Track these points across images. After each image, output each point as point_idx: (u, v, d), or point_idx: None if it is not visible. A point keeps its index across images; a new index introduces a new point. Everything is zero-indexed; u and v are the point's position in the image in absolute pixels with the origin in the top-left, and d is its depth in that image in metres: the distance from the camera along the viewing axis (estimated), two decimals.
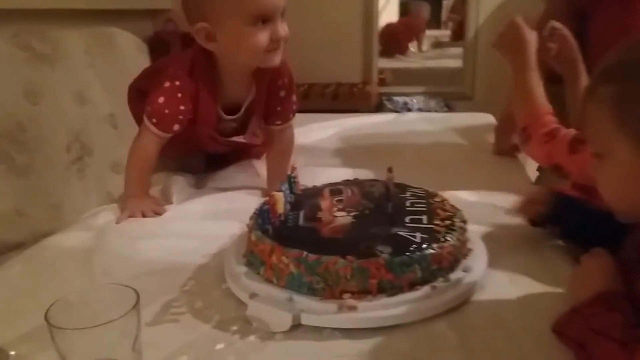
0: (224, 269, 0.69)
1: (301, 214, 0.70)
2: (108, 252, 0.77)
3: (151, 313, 0.61)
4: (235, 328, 0.59)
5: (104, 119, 1.80)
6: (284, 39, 0.88)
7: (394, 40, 3.23)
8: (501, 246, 0.73)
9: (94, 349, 0.43)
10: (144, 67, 2.08)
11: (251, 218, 0.71)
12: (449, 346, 0.55)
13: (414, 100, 2.37)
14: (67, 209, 1.51)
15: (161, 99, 0.92)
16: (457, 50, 3.23)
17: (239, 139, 1.01)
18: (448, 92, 2.52)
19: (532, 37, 0.95)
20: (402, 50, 3.31)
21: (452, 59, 3.11)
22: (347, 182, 0.81)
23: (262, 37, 0.85)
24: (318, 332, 0.57)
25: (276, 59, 0.90)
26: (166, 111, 0.93)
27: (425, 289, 0.60)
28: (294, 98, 1.02)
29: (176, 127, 0.94)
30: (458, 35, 3.51)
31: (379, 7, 2.67)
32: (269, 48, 0.87)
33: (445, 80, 2.75)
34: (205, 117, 0.96)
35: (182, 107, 0.93)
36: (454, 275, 0.62)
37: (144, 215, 0.91)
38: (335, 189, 0.78)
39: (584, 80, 0.99)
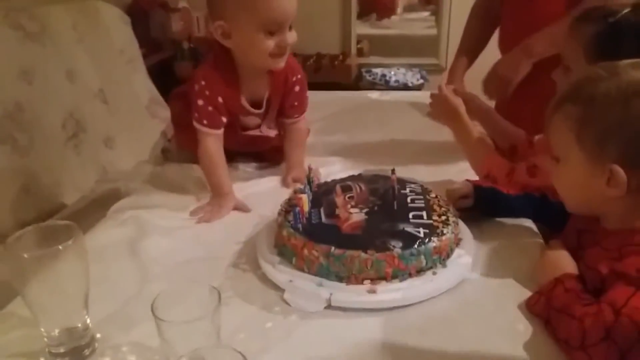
0: (256, 257, 0.82)
1: (322, 211, 0.83)
2: (150, 242, 0.88)
3: None
4: (277, 309, 0.72)
5: (95, 94, 1.85)
6: (291, 45, 0.98)
7: (379, 3, 3.23)
8: (483, 233, 0.88)
9: (192, 336, 0.56)
10: (130, 40, 2.12)
11: (279, 214, 0.84)
12: (449, 318, 0.70)
13: (392, 72, 2.49)
14: (68, 185, 1.59)
15: (200, 102, 1.01)
16: (429, 16, 3.27)
17: (255, 132, 1.11)
18: (424, 64, 2.62)
19: (459, 101, 1.09)
20: (390, 12, 3.30)
21: (426, 25, 3.16)
22: (353, 178, 0.94)
23: (269, 43, 0.95)
24: (345, 311, 0.71)
25: (280, 63, 1.00)
26: (210, 108, 1.01)
27: (428, 274, 0.75)
28: (307, 93, 1.12)
29: (224, 119, 1.03)
30: None
31: None
32: (274, 52, 0.97)
33: (421, 50, 2.83)
34: (229, 108, 1.04)
35: (220, 100, 1.02)
36: (450, 261, 0.78)
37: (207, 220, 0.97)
38: (345, 185, 0.91)
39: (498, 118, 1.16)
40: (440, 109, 1.12)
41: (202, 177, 1.08)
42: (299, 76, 1.10)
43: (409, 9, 3.67)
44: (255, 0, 0.92)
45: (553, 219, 0.86)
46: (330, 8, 2.64)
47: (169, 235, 0.91)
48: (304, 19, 2.44)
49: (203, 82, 1.01)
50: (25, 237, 0.61)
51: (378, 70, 2.53)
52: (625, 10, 0.85)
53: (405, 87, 2.44)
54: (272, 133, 1.13)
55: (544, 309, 0.68)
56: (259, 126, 1.12)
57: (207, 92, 1.01)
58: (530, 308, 0.70)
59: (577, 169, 0.71)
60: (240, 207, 1.00)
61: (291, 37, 0.98)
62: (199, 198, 1.05)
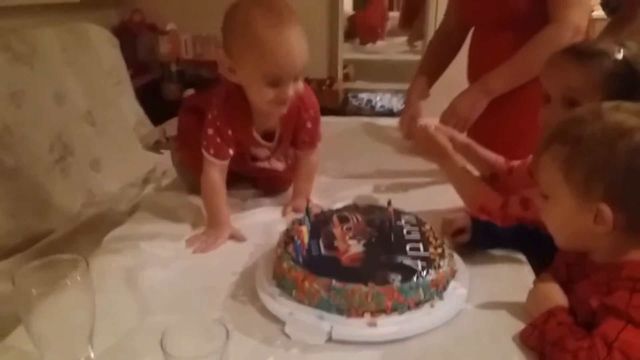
0: (254, 288, 0.82)
1: (320, 242, 0.84)
2: (147, 273, 0.88)
3: None
4: (278, 342, 0.73)
5: (82, 117, 1.85)
6: (293, 97, 0.96)
7: (367, 27, 3.27)
8: (476, 264, 0.90)
9: None
10: (118, 62, 2.12)
11: (279, 245, 0.85)
12: (447, 351, 0.72)
13: (378, 97, 2.54)
14: (55, 209, 1.58)
15: (210, 131, 1.01)
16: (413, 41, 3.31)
17: (264, 164, 1.12)
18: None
19: (444, 139, 1.10)
20: (377, 37, 3.34)
21: (408, 50, 3.20)
22: (350, 209, 0.96)
23: (270, 93, 0.93)
24: (346, 344, 0.72)
25: (281, 110, 0.99)
26: (218, 140, 1.02)
27: (426, 307, 0.77)
28: (319, 128, 1.10)
29: (231, 151, 1.04)
30: (408, 19, 3.59)
31: None
32: (274, 101, 0.94)
33: (404, 75, 2.81)
34: (240, 140, 1.05)
35: (229, 132, 1.02)
36: (446, 294, 0.80)
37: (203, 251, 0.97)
38: (342, 215, 0.92)
39: (477, 148, 1.18)
40: (426, 148, 1.13)
41: (195, 205, 1.09)
42: (312, 112, 1.07)
43: (392, 33, 3.74)
44: (263, 51, 0.89)
45: (544, 251, 0.89)
46: (318, 33, 2.68)
47: (166, 265, 0.91)
48: None
49: (216, 112, 1.01)
50: (31, 271, 0.61)
51: (364, 96, 2.58)
52: (624, 49, 0.87)
53: (391, 113, 2.49)
54: (281, 167, 1.14)
55: (538, 341, 0.70)
56: (269, 158, 1.12)
57: (218, 123, 1.01)
58: (525, 340, 0.72)
59: (566, 206, 0.74)
60: (236, 237, 1.01)
61: (295, 88, 0.94)
62: (194, 226, 1.05)
